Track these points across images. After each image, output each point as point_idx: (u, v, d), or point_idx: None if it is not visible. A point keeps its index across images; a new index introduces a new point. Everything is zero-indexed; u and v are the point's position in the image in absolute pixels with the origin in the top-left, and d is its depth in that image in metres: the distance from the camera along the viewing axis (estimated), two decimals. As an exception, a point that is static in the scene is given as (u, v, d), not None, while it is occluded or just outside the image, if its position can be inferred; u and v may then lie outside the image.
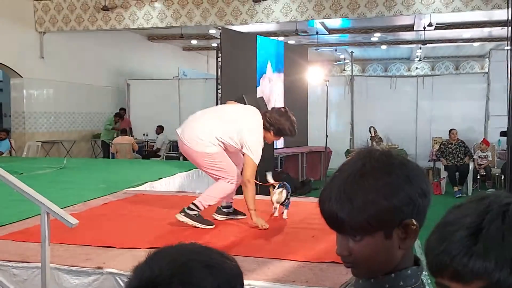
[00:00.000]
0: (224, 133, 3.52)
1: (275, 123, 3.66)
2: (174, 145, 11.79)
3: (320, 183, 9.34)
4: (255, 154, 3.52)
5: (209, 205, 3.64)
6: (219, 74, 8.95)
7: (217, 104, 9.47)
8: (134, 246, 3.02)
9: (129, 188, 5.21)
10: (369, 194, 0.87)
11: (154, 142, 11.82)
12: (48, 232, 2.40)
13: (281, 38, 13.03)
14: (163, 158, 10.81)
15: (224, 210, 3.88)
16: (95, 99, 12.78)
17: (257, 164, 3.59)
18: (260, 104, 8.07)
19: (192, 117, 3.70)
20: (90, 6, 10.75)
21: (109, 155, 11.19)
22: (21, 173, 5.84)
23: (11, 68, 10.66)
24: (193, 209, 3.54)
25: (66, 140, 11.75)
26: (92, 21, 10.82)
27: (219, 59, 8.77)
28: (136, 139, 11.64)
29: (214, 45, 15.57)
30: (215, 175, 3.64)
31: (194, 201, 3.58)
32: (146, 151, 11.73)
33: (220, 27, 9.15)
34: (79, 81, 12.25)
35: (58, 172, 6.50)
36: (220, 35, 8.79)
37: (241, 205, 3.83)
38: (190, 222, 3.51)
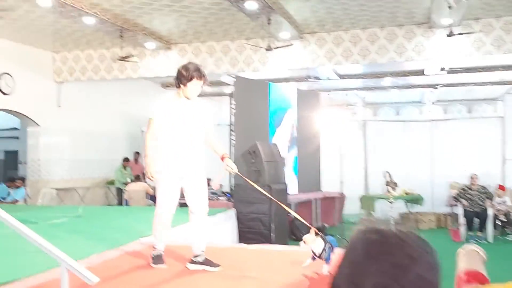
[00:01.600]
0: None
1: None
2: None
3: (335, 229, 9.20)
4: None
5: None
6: (232, 120, 9.05)
7: (230, 150, 9.53)
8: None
9: (143, 237, 5.17)
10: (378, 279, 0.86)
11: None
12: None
13: (293, 84, 13.22)
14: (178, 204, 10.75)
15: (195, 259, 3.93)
16: (110, 146, 12.93)
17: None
18: (273, 150, 8.11)
19: None
20: (107, 56, 11.07)
21: (122, 201, 11.19)
22: (36, 223, 5.84)
23: (28, 117, 10.89)
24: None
25: (80, 187, 11.82)
26: (109, 71, 11.12)
27: (232, 105, 8.89)
28: (149, 185, 11.65)
29: (227, 91, 15.84)
30: None
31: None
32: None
33: (233, 75, 9.34)
34: (94, 128, 12.45)
35: (73, 221, 6.50)
36: (234, 83, 8.95)
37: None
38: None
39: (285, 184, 8.00)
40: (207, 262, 3.87)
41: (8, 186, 10.61)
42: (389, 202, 9.59)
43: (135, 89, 13.85)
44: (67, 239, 4.85)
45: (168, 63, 10.73)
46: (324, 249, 3.65)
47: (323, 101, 12.49)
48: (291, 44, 9.37)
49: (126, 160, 12.20)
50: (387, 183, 9.99)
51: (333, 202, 9.99)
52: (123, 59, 10.39)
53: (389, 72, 12.84)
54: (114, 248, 4.56)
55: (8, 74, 10.06)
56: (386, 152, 11.25)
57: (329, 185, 9.99)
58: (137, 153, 12.83)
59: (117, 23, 8.68)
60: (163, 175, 3.90)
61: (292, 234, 8.45)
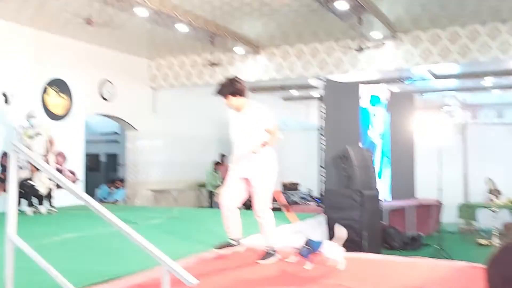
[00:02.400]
0: None
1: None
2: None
3: (431, 239, 8.67)
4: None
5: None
6: (321, 124, 8.89)
7: (319, 154, 9.38)
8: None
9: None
10: None
11: (256, 192, 11.90)
12: (168, 290, 2.40)
13: (384, 86, 12.74)
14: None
15: None
16: (201, 149, 13.31)
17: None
18: (365, 155, 7.84)
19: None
20: (198, 62, 11.43)
21: (213, 203, 11.47)
22: (135, 223, 6.12)
23: (127, 122, 11.54)
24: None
25: (174, 189, 12.29)
26: (200, 77, 11.47)
27: (322, 109, 8.73)
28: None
29: (315, 94, 15.66)
30: None
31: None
32: (249, 201, 11.83)
33: (323, 78, 9.18)
34: (187, 132, 12.91)
35: (169, 222, 6.73)
36: (323, 86, 8.79)
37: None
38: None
39: (377, 190, 7.69)
40: (267, 256, 4.24)
41: (109, 187, 11.32)
42: (492, 211, 8.86)
43: (225, 94, 14.14)
44: (165, 239, 5.00)
45: (257, 67, 10.83)
46: (305, 246, 4.01)
47: (418, 103, 11.90)
48: (383, 44, 9.02)
49: (217, 163, 12.48)
50: (490, 191, 9.25)
51: (429, 210, 9.44)
52: (213, 64, 10.66)
53: (490, 71, 11.93)
54: (208, 250, 4.61)
55: (109, 81, 10.75)
56: (488, 157, 10.42)
57: (425, 192, 9.46)
58: (223, 155, 13.04)
59: (208, 29, 8.90)
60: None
61: (385, 242, 8.10)
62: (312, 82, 13.35)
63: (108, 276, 3.49)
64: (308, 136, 11.97)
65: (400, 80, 11.72)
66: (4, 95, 7.79)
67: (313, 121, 16.01)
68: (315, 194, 9.97)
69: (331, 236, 7.10)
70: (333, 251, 3.97)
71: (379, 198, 7.68)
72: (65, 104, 8.96)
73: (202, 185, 12.78)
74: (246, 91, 4.38)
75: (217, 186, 11.62)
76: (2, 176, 7.66)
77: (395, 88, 13.14)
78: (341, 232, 4.13)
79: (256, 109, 4.33)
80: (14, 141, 2.98)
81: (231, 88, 4.33)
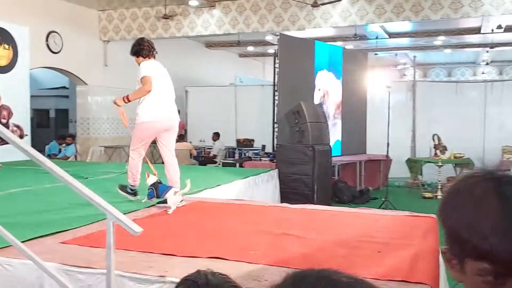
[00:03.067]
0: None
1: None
2: (230, 152, 11.85)
3: (380, 193, 9.04)
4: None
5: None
6: (276, 80, 8.90)
7: (273, 111, 9.43)
8: (194, 255, 2.99)
9: (187, 195, 5.23)
10: None
11: (211, 149, 11.93)
12: (113, 240, 2.41)
13: (339, 43, 12.81)
14: (219, 164, 10.88)
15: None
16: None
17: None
18: (318, 111, 7.95)
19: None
20: (151, 15, 11.05)
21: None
22: (86, 178, 6.02)
23: (77, 76, 11.12)
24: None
25: (126, 145, 12.07)
26: (153, 30, 11.11)
27: (277, 65, 8.72)
28: (193, 145, 11.80)
29: (271, 51, 15.58)
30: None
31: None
32: (203, 157, 11.86)
33: (277, 33, 9.11)
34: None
35: (120, 177, 6.65)
36: (278, 41, 8.74)
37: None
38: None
39: (329, 145, 7.86)
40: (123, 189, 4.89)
41: (59, 144, 11.00)
42: (437, 166, 9.28)
43: (180, 49, 13.83)
44: (114, 193, 4.96)
45: (212, 21, 10.59)
46: (151, 187, 4.49)
47: (371, 61, 12.08)
48: (340, 0, 8.99)
49: None
50: (435, 146, 9.65)
51: (378, 165, 9.78)
52: (167, 17, 10.35)
53: (442, 30, 12.20)
54: (159, 203, 4.62)
55: (56, 32, 10.24)
56: (436, 115, 10.81)
57: (374, 148, 9.77)
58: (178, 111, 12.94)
59: (161, -20, 8.58)
60: None
61: (335, 196, 8.37)
62: (269, 38, 13.24)
63: (55, 229, 3.46)
64: (263, 92, 11.99)
65: (354, 37, 11.80)
66: None
67: (269, 78, 16.02)
68: (269, 149, 10.09)
69: (281, 189, 7.29)
70: (172, 199, 4.37)
71: (331, 153, 7.86)
72: (9, 55, 8.50)
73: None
74: (147, 51, 4.90)
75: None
76: None
77: (349, 45, 13.26)
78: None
79: (140, 67, 4.84)
80: None
81: (134, 48, 4.97)
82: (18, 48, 8.64)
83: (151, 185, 4.49)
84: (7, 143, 7.71)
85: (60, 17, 10.31)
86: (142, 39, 5.05)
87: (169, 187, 4.52)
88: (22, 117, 8.62)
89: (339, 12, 9.43)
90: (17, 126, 8.42)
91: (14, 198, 4.83)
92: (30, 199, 4.80)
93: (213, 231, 3.72)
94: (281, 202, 6.86)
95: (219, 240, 3.46)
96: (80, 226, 3.61)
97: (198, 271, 1.05)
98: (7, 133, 2.75)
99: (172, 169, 4.95)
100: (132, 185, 4.83)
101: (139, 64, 4.87)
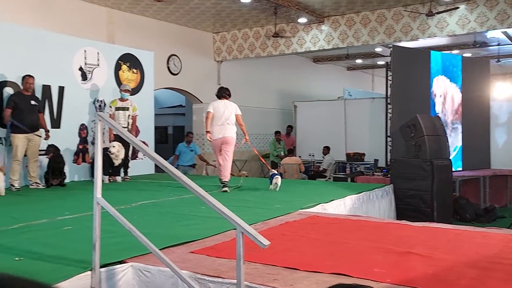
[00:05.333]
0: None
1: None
2: (340, 166, 11.73)
3: (507, 211, 8.31)
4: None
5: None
6: (388, 92, 8.67)
7: (386, 124, 9.18)
8: (317, 270, 3.01)
9: (303, 209, 5.29)
10: None
11: (320, 163, 11.91)
12: (243, 250, 2.52)
13: (455, 52, 12.14)
14: (329, 179, 10.81)
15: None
16: (265, 121, 13.45)
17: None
18: (436, 124, 7.58)
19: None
20: (261, 34, 11.43)
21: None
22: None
23: (193, 95, 11.84)
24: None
25: (238, 159, 12.54)
26: (263, 48, 11.48)
27: (389, 77, 8.50)
28: (302, 159, 11.88)
29: (380, 63, 15.23)
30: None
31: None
32: (312, 172, 11.88)
33: (389, 45, 8.89)
34: (250, 104, 13.04)
35: (235, 191, 6.92)
36: (390, 53, 8.53)
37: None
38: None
39: (449, 160, 7.43)
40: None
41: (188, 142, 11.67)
42: None
43: (288, 65, 14.12)
44: (232, 207, 5.16)
45: (321, 36, 10.66)
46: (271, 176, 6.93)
47: (493, 69, 11.25)
48: (457, 8, 8.55)
49: (277, 133, 12.54)
50: None
51: (505, 181, 9.01)
52: (277, 35, 10.62)
53: None
54: (276, 217, 4.73)
55: (175, 55, 11.03)
56: None
57: (499, 162, 9.03)
58: (290, 126, 13.13)
59: (272, 0, 8.85)
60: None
61: (456, 213, 7.87)
62: (378, 50, 12.97)
63: (183, 239, 3.69)
64: (374, 105, 11.73)
65: (473, 45, 11.10)
66: (81, 69, 8.23)
67: (379, 90, 15.65)
68: (382, 164, 9.80)
69: (397, 205, 7.03)
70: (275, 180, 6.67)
71: (451, 168, 7.43)
72: (137, 78, 9.33)
73: (266, 156, 12.94)
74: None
75: (279, 157, 11.74)
76: (81, 147, 8.19)
77: (467, 53, 12.50)
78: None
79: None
80: (99, 112, 3.18)
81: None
82: (145, 71, 9.45)
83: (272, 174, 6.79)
84: (135, 158, 8.36)
85: (179, 41, 11.10)
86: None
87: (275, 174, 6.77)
88: (147, 134, 9.37)
89: (456, 20, 8.96)
90: (144, 143, 9.16)
91: (145, 209, 5.25)
92: (158, 211, 5.18)
93: (332, 246, 3.71)
94: (397, 219, 6.62)
95: (339, 255, 3.45)
96: (207, 237, 3.81)
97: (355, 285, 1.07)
98: (145, 148, 3.03)
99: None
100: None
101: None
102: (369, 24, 9.99)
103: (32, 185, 7.05)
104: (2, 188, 6.22)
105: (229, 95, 7.19)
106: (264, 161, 8.55)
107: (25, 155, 6.94)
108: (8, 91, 7.13)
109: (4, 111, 6.85)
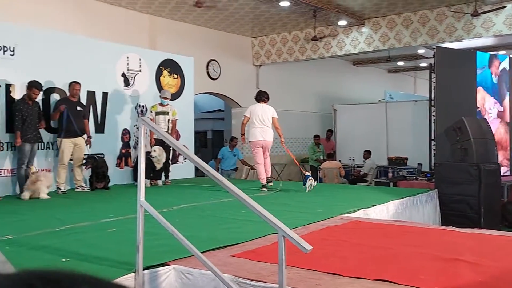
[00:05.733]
0: None
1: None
2: (382, 170, 11.50)
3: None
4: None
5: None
6: (432, 95, 8.44)
7: (430, 127, 8.94)
8: (361, 276, 2.94)
9: (344, 213, 5.20)
10: None
11: (361, 167, 11.72)
12: (285, 255, 2.49)
13: (502, 52, 11.71)
14: (371, 183, 10.62)
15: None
16: (304, 124, 13.36)
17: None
18: (483, 127, 7.31)
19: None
20: (300, 38, 11.39)
21: (317, 179, 11.49)
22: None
23: (232, 99, 11.91)
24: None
25: (277, 163, 12.51)
26: (302, 52, 11.43)
27: (433, 79, 8.27)
28: (342, 163, 11.73)
29: (423, 65, 14.88)
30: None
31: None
32: (352, 176, 11.70)
33: (432, 46, 8.67)
34: (289, 108, 13.00)
35: (275, 195, 6.90)
36: (434, 54, 8.30)
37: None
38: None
39: (497, 164, 7.15)
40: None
41: (233, 146, 11.77)
42: None
43: (327, 68, 14.00)
44: (272, 210, 5.14)
45: (361, 39, 10.52)
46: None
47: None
48: (504, 7, 8.24)
49: (316, 137, 12.41)
50: None
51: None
52: (316, 39, 10.55)
53: None
54: (317, 221, 4.68)
55: (215, 60, 11.14)
56: None
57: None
58: (330, 131, 12.99)
59: (311, 3, 8.80)
60: None
61: (505, 219, 7.55)
62: (421, 51, 12.67)
63: (224, 242, 3.70)
64: (417, 108, 11.45)
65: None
66: (124, 75, 8.43)
67: (421, 93, 15.28)
68: (425, 168, 9.54)
69: (442, 211, 6.81)
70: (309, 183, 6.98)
71: (500, 172, 7.14)
72: (177, 83, 9.48)
73: (305, 160, 12.85)
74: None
75: (318, 161, 11.63)
76: (124, 151, 8.38)
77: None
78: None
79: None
80: (142, 116, 3.23)
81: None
82: (185, 76, 9.59)
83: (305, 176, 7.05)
84: (176, 162, 8.47)
85: (218, 46, 11.20)
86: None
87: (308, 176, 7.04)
88: (187, 139, 9.49)
89: (502, 19, 8.64)
90: (184, 147, 9.27)
91: (186, 212, 5.30)
92: (199, 214, 5.22)
93: (376, 252, 3.62)
94: (443, 225, 6.42)
95: (383, 261, 3.36)
96: (248, 241, 3.80)
97: None
98: (187, 152, 3.06)
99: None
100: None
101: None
102: (411, 25, 9.78)
103: (77, 188, 7.27)
104: (44, 193, 6.38)
105: (268, 99, 7.51)
106: (298, 164, 8.76)
107: (70, 159, 7.16)
108: (56, 97, 7.39)
109: (52, 116, 7.12)
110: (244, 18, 10.33)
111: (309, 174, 7.20)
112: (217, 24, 10.74)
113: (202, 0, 8.46)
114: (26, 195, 6.29)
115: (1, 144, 6.71)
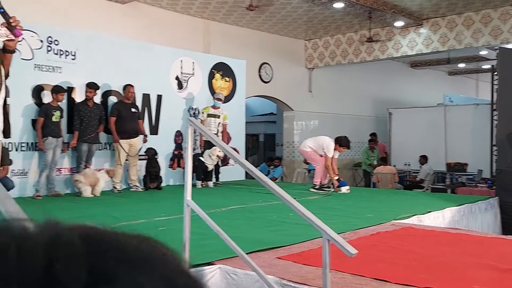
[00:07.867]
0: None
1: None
2: (439, 176, 11.07)
3: None
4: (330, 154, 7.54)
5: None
6: (494, 98, 8.02)
7: (491, 132, 8.51)
8: (409, 283, 2.83)
9: (396, 219, 5.04)
10: None
11: (417, 172, 11.32)
12: (329, 258, 2.43)
13: None
14: (427, 189, 10.23)
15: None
16: (357, 129, 13.08)
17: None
18: (550, 131, 6.86)
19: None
20: (355, 40, 11.19)
21: (370, 184, 11.23)
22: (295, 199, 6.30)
23: (284, 102, 11.88)
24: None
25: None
26: (356, 54, 11.22)
27: (495, 82, 7.86)
28: (397, 168, 11.38)
29: (486, 67, 14.20)
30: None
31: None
32: (408, 182, 11.33)
33: (496, 47, 8.25)
34: (342, 111, 12.81)
35: (326, 199, 6.80)
36: (496, 56, 7.90)
37: None
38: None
39: None
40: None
41: (268, 165, 11.84)
42: None
43: (383, 70, 13.67)
44: (321, 214, 5.06)
45: (419, 40, 10.19)
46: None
47: None
48: None
49: (371, 141, 12.05)
50: None
51: None
52: (371, 40, 10.33)
53: None
54: (367, 226, 4.56)
55: (267, 63, 11.16)
56: None
57: None
58: (373, 134, 12.50)
59: (366, 4, 8.63)
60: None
61: None
62: (483, 53, 12.10)
63: (270, 244, 3.68)
64: (478, 112, 10.93)
65: None
66: (177, 78, 8.63)
67: (484, 96, 14.59)
68: (486, 175, 9.08)
69: (503, 220, 6.45)
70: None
71: None
72: (229, 86, 9.58)
73: (358, 165, 12.57)
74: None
75: (372, 166, 11.34)
76: (176, 153, 8.56)
77: None
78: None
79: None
80: (191, 118, 3.27)
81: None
82: (237, 80, 9.67)
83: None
84: (226, 164, 8.53)
85: (271, 49, 11.22)
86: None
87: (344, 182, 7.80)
88: (239, 141, 9.56)
89: None
90: (235, 150, 9.35)
91: (234, 214, 5.33)
92: (247, 216, 5.23)
93: (427, 259, 3.48)
94: (504, 234, 6.07)
95: (434, 269, 3.21)
96: (294, 244, 3.76)
97: None
98: (235, 154, 3.07)
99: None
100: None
101: None
102: (472, 26, 9.36)
103: (132, 187, 7.50)
104: (99, 189, 6.69)
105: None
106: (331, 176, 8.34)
107: (126, 160, 7.41)
108: (112, 99, 7.68)
109: (110, 120, 7.38)
110: (297, 21, 10.28)
111: (342, 179, 8.02)
112: (270, 27, 10.76)
113: (255, 3, 8.50)
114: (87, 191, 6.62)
115: (64, 145, 6.99)
